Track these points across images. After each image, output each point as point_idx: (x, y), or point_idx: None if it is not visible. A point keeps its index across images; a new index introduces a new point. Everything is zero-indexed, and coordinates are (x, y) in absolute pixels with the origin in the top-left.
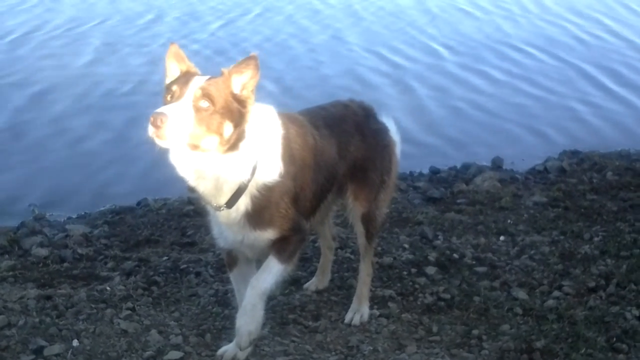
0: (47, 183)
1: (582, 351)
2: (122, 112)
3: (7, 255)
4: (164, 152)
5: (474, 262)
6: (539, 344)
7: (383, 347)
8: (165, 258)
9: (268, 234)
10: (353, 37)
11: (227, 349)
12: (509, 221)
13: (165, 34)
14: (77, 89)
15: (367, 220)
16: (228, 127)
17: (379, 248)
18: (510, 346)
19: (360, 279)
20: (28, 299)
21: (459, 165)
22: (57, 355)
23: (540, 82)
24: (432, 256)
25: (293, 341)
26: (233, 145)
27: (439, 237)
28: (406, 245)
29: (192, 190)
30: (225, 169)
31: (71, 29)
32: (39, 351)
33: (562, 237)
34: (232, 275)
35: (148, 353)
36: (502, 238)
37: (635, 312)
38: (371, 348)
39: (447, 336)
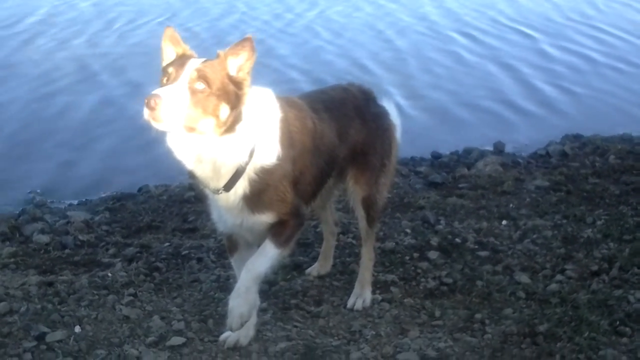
0: (48, 170)
1: (585, 335)
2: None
3: (8, 242)
4: (161, 136)
5: (476, 247)
6: (542, 328)
7: (385, 332)
8: (166, 244)
9: (266, 218)
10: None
11: (230, 334)
12: (511, 205)
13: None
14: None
15: (368, 204)
16: (224, 109)
17: (381, 233)
18: (513, 330)
19: (362, 263)
20: (29, 285)
21: (460, 150)
22: (59, 341)
23: (542, 66)
24: (434, 241)
25: (295, 326)
26: (230, 128)
27: (441, 221)
28: (408, 230)
29: (190, 174)
30: (222, 152)
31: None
32: (41, 337)
33: (564, 221)
34: (233, 260)
35: (150, 339)
36: (504, 222)
37: (639, 295)
38: (374, 333)
39: (450, 320)
